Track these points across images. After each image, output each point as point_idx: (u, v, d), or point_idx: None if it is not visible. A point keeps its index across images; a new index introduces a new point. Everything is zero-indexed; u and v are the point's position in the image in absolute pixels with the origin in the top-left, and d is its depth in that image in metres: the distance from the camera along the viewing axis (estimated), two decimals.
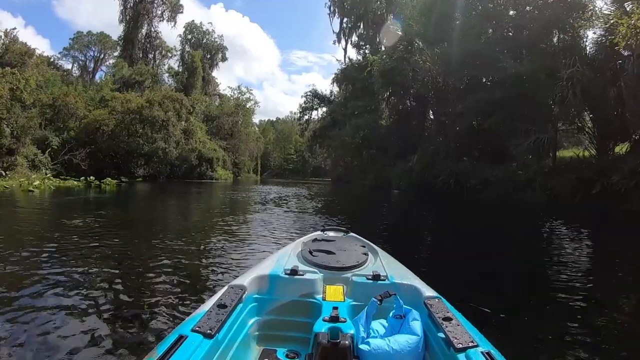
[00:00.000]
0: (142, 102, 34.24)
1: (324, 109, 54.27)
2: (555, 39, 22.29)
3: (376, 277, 2.54)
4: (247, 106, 65.26)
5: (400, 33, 29.94)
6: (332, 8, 52.55)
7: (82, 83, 47.35)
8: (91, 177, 26.10)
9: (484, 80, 26.01)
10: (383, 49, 38.07)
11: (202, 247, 7.09)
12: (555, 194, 17.72)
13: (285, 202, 18.12)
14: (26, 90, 29.23)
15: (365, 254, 3.02)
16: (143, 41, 56.41)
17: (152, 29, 57.23)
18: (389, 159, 32.72)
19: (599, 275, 6.07)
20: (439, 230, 11.50)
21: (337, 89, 51.69)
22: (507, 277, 5.69)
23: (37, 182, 21.85)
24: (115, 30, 58.25)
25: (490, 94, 21.43)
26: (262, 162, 78.61)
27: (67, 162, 29.92)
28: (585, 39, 20.76)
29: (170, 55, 59.88)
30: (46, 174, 26.72)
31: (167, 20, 58.27)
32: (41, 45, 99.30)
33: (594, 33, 18.96)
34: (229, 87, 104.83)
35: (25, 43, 35.12)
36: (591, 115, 20.17)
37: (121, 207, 15.14)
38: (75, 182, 25.54)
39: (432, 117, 32.27)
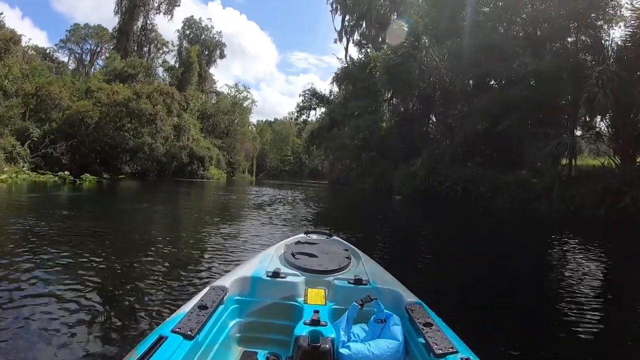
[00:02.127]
0: (129, 94, 32.16)
1: (323, 109, 52.23)
2: (572, 38, 20.52)
3: (358, 281, 2.55)
4: (245, 105, 63.79)
5: (405, 29, 28.22)
6: (334, 5, 50.98)
7: (71, 75, 45.45)
8: (65, 173, 24.18)
9: (492, 83, 24.46)
10: (386, 47, 36.22)
11: (181, 249, 6.89)
12: (576, 205, 16.05)
13: (276, 206, 16.43)
14: (8, 78, 27.66)
15: (347, 257, 3.02)
16: (138, 34, 54.64)
17: (148, 22, 55.54)
18: (390, 163, 30.88)
19: (602, 292, 5.71)
20: (442, 241, 10.58)
21: (337, 89, 49.77)
22: (499, 288, 5.59)
23: (4, 176, 19.94)
24: (113, 24, 56.35)
25: (504, 94, 19.71)
26: (258, 163, 77.72)
27: (48, 155, 27.99)
28: (608, 37, 19.07)
29: (166, 49, 58.38)
30: (23, 167, 24.88)
31: (164, 13, 56.56)
32: (38, 38, 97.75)
33: (627, 26, 17.11)
34: (226, 84, 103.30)
35: (13, 30, 33.01)
36: (612, 120, 18.49)
37: (81, 208, 13.37)
38: (52, 177, 23.72)
39: (436, 119, 30.41)
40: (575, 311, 4.44)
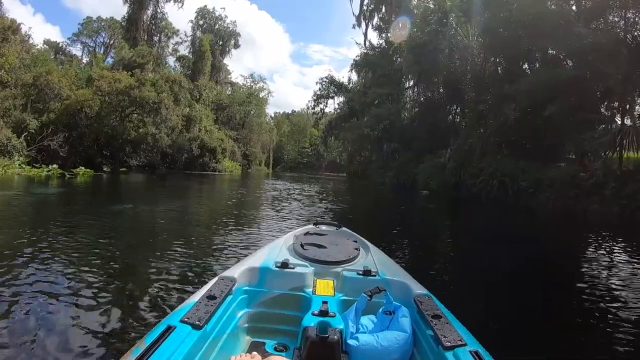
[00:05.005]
0: (131, 81, 30.07)
1: (341, 98, 50.00)
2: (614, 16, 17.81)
3: (367, 272, 2.54)
4: (261, 95, 62.08)
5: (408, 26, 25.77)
6: None
7: (84, 68, 43.88)
8: (54, 166, 22.43)
9: (525, 67, 21.80)
10: (409, 28, 33.63)
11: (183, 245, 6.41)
12: (638, 204, 13.53)
13: (289, 202, 14.75)
14: (4, 68, 26.07)
15: (356, 249, 3.01)
16: (148, 23, 52.83)
17: (158, 10, 53.55)
18: (414, 154, 28.64)
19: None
20: (470, 239, 9.42)
21: (355, 77, 47.63)
22: (516, 286, 5.20)
23: None
24: (122, 15, 55.04)
25: (553, 74, 17.05)
26: (275, 155, 77.16)
27: (47, 148, 26.05)
28: None
29: (177, 37, 56.77)
30: (18, 160, 23.18)
31: (174, 1, 54.35)
32: (51, 33, 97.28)
33: None
34: (241, 75, 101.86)
35: (14, 20, 31.10)
36: None
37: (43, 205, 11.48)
38: (42, 171, 22.10)
39: (466, 106, 27.59)
40: (595, 314, 4.27)
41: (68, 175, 21.24)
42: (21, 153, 24.28)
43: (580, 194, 15.73)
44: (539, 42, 18.00)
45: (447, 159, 22.32)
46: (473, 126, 23.20)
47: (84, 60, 55.72)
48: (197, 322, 1.79)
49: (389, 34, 41.58)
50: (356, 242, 3.21)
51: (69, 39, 59.75)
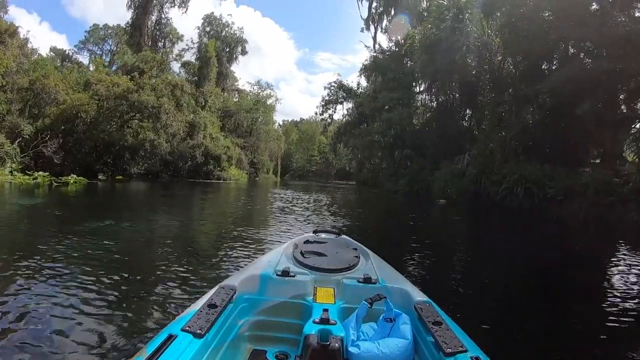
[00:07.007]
0: (130, 85, 28.80)
1: (350, 104, 48.79)
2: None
3: (367, 279, 2.53)
4: (268, 103, 61.02)
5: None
6: None
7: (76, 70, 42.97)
8: (40, 173, 21.32)
9: (544, 67, 20.31)
10: (421, 27, 32.29)
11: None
12: None
13: (293, 214, 13.18)
14: None
15: (356, 256, 3.01)
16: (152, 28, 52.12)
17: (163, 16, 52.93)
18: (428, 161, 27.25)
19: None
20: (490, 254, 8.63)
21: (365, 82, 46.38)
22: (519, 293, 5.38)
23: None
24: (127, 22, 54.57)
25: (580, 68, 15.62)
26: (284, 163, 75.90)
27: (41, 155, 24.92)
28: None
29: (187, 46, 56.01)
30: (10, 167, 22.02)
31: (179, 7, 53.61)
32: (58, 41, 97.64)
33: None
34: (247, 82, 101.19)
35: (12, 23, 30.12)
36: None
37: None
38: (28, 179, 20.88)
39: (483, 108, 25.94)
40: (603, 329, 4.00)
41: (55, 184, 20.00)
42: (14, 159, 23.14)
43: (615, 201, 14.26)
44: (569, 33, 16.41)
45: (465, 165, 20.80)
46: (493, 129, 21.59)
47: (91, 68, 55.49)
48: (198, 331, 1.79)
49: (398, 35, 40.37)
50: (356, 249, 3.21)
51: (75, 46, 59.61)
